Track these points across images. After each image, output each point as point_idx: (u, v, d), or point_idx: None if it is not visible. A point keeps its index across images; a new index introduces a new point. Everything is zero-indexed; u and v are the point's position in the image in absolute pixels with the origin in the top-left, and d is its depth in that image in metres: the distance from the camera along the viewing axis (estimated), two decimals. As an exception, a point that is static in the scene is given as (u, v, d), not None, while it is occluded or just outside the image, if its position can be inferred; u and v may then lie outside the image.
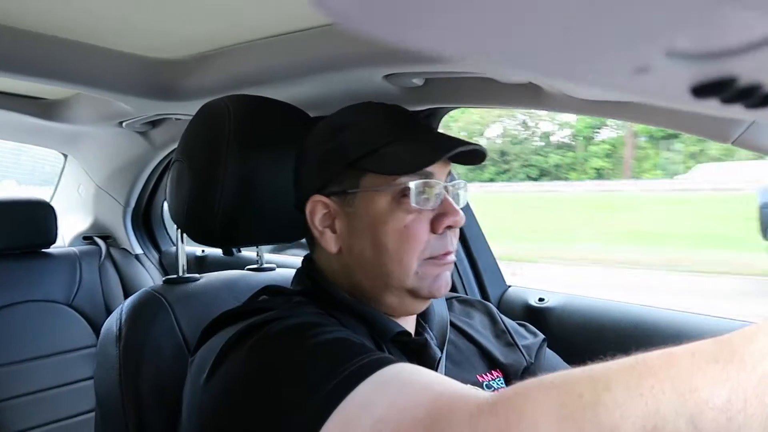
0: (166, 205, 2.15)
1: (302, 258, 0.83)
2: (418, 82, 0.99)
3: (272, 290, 0.78)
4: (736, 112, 0.18)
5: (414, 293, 0.72)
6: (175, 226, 0.96)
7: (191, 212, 0.87)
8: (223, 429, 0.58)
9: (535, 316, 1.21)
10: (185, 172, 0.87)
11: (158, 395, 0.82)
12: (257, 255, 1.12)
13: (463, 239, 1.32)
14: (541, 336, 0.92)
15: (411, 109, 1.00)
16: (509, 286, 1.35)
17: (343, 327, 0.66)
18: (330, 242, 0.75)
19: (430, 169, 0.70)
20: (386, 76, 0.98)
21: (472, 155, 0.73)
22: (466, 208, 1.26)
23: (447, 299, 0.90)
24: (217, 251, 2.02)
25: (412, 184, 0.69)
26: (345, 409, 0.51)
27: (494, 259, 1.37)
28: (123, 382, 0.82)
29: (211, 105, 0.89)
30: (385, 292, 0.73)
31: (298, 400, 0.53)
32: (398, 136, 0.72)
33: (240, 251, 1.97)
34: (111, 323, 0.87)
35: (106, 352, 0.85)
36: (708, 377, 0.37)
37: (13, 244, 1.68)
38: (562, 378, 0.43)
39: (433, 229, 0.71)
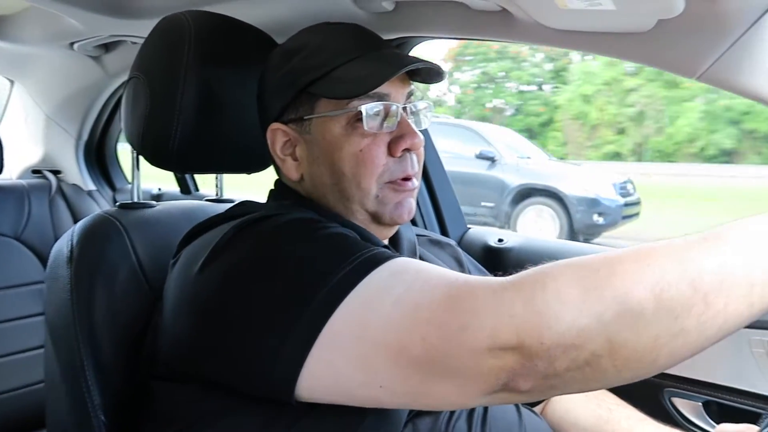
0: (119, 142, 2.09)
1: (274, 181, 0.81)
2: (388, 6, 0.97)
3: (251, 203, 0.75)
4: None
5: (376, 218, 0.72)
6: (131, 150, 0.92)
7: (147, 132, 0.83)
8: (223, 312, 0.58)
9: (494, 256, 1.24)
10: (142, 88, 0.84)
11: (111, 319, 0.79)
12: (216, 186, 1.09)
13: (426, 178, 1.32)
14: None
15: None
16: (469, 227, 1.36)
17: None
18: (291, 170, 0.74)
19: (385, 90, 0.68)
20: (355, -2, 0.95)
21: (430, 74, 0.72)
22: (428, 144, 1.24)
23: (417, 236, 0.89)
24: (174, 189, 1.97)
25: (364, 108, 0.67)
26: (362, 291, 0.53)
27: (456, 199, 1.38)
28: (75, 305, 0.78)
29: (170, 18, 0.85)
30: (350, 217, 0.72)
31: (312, 283, 0.54)
32: (349, 56, 0.70)
33: (198, 189, 1.92)
34: (61, 245, 0.83)
35: (56, 274, 0.82)
36: (701, 250, 0.47)
37: None
38: (576, 259, 0.50)
39: (391, 152, 0.70)
